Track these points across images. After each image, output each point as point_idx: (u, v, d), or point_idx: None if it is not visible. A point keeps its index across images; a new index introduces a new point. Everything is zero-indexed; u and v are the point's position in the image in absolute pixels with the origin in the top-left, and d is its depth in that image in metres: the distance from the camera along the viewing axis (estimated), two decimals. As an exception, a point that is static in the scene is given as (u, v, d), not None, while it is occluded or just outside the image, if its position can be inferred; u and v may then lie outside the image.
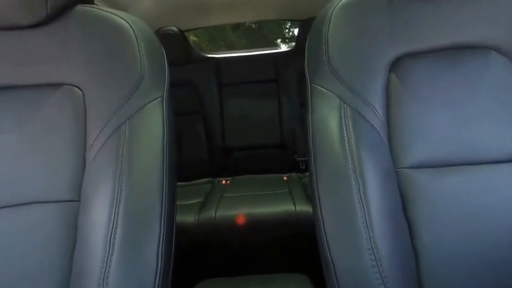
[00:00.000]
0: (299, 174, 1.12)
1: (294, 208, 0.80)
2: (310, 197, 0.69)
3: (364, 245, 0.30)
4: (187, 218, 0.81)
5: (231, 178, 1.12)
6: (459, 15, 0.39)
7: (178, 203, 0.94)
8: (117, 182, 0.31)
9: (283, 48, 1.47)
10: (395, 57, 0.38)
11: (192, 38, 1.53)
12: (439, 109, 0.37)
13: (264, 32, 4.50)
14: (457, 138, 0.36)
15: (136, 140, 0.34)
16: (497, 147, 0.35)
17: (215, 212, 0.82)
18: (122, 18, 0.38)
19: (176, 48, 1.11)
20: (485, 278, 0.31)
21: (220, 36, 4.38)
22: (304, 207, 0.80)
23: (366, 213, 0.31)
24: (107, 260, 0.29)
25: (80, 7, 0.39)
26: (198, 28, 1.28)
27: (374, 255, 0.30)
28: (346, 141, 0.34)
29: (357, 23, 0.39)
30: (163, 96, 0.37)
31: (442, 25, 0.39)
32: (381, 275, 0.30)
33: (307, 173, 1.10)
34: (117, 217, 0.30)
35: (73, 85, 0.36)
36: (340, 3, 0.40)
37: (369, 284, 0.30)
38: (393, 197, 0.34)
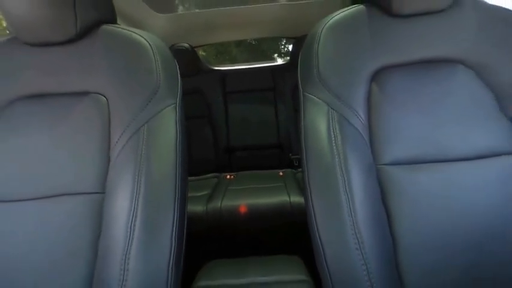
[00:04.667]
0: (293, 170, 1.12)
1: (288, 199, 0.80)
2: (302, 189, 0.70)
3: (349, 230, 0.31)
4: (197, 207, 0.82)
5: (234, 174, 1.11)
6: (428, 34, 0.39)
7: (189, 194, 0.93)
8: (136, 177, 0.32)
9: (279, 61, 1.47)
10: (375, 69, 0.38)
11: (201, 53, 1.53)
12: (413, 114, 0.37)
13: (263, 48, 4.50)
14: (429, 139, 0.36)
15: (153, 140, 0.34)
16: (463, 147, 0.35)
17: (221, 203, 0.82)
18: (141, 35, 0.38)
19: (187, 61, 1.12)
20: (455, 259, 0.31)
21: (225, 51, 4.39)
22: (297, 199, 0.80)
23: (351, 204, 0.31)
24: (128, 243, 0.29)
25: (105, 26, 0.39)
26: (207, 44, 1.28)
27: (357, 239, 0.30)
28: (333, 142, 0.35)
29: (342, 41, 0.39)
30: (176, 103, 0.38)
31: (414, 42, 0.39)
32: (363, 256, 0.30)
33: (300, 169, 1.10)
34: (136, 207, 0.30)
35: (99, 93, 0.36)
36: (328, 23, 0.40)
37: (352, 264, 0.30)
38: (374, 190, 0.34)
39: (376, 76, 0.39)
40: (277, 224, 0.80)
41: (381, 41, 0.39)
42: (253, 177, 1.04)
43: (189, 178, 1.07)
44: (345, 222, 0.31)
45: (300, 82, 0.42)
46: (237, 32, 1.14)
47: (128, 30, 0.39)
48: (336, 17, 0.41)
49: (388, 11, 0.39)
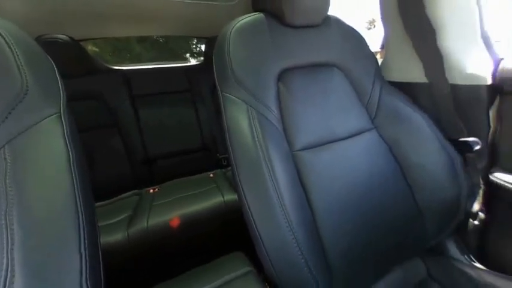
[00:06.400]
0: (223, 170, 1.12)
1: (222, 199, 0.79)
2: (234, 186, 0.70)
3: (279, 212, 0.34)
4: (115, 236, 0.66)
5: (158, 186, 0.98)
6: (313, 42, 0.49)
7: (102, 223, 0.75)
8: (3, 220, 0.22)
9: (193, 61, 1.41)
10: (279, 71, 0.44)
11: (91, 47, 1.23)
12: (310, 108, 0.45)
13: (171, 46, 4.16)
14: (324, 126, 0.45)
15: (26, 165, 0.24)
16: (344, 129, 0.47)
17: (147, 222, 0.71)
18: None
19: (70, 58, 0.87)
20: (351, 212, 0.41)
21: (124, 48, 3.73)
22: (231, 197, 0.80)
23: (277, 189, 0.35)
24: None
25: None
26: (95, 38, 1.03)
27: (286, 218, 0.34)
28: (256, 137, 0.37)
29: (250, 43, 0.42)
30: (60, 112, 0.29)
31: (304, 49, 0.48)
32: (292, 232, 0.34)
33: (229, 168, 1.10)
34: (11, 264, 0.21)
35: None
36: (235, 26, 0.42)
37: (286, 242, 0.33)
38: (293, 173, 0.39)
39: (281, 77, 0.44)
40: (214, 226, 0.77)
41: (279, 47, 0.45)
42: (182, 185, 0.95)
43: (100, 203, 0.86)
44: (275, 206, 0.34)
45: (217, 82, 0.42)
46: (134, 26, 0.98)
47: None
48: (241, 22, 0.43)
49: (283, 22, 0.46)
